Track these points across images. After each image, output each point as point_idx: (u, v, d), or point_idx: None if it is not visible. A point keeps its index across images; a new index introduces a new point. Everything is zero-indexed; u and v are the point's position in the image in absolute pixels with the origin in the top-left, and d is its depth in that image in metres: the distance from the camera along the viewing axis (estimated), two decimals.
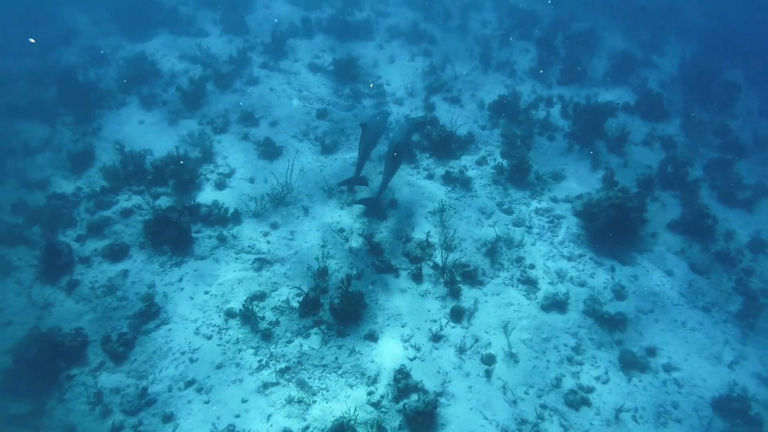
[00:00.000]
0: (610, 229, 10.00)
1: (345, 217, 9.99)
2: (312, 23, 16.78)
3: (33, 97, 12.50)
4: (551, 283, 9.27)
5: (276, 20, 16.92)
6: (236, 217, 9.73)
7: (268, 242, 9.37)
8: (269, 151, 11.32)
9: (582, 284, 9.36)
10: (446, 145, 11.67)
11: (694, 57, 18.54)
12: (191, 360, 7.26)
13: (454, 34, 18.13)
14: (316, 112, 12.85)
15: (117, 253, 8.68)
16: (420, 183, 10.98)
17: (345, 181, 9.75)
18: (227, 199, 10.07)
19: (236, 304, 8.01)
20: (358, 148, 9.55)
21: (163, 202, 9.83)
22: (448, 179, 11.05)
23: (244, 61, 14.42)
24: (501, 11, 20.98)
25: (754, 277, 10.21)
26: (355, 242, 9.42)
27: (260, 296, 8.30)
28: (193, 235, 9.23)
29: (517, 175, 11.25)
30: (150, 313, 7.77)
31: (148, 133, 11.81)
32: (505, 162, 11.54)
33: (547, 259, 9.75)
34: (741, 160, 13.50)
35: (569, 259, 9.86)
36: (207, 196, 10.17)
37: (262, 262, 8.94)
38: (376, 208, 10.12)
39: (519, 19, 19.50)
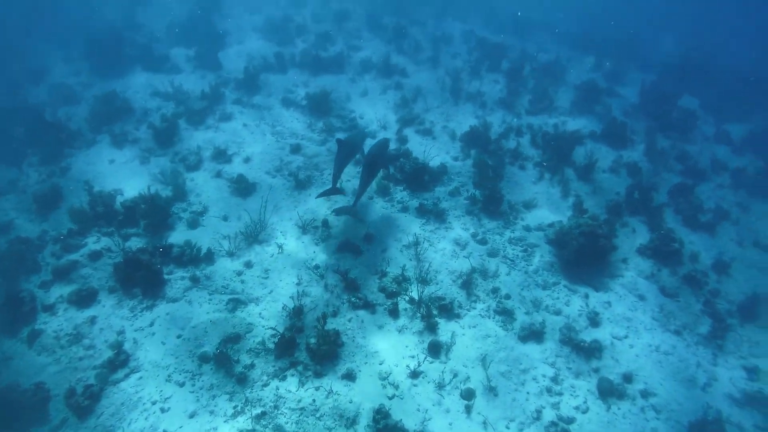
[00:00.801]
0: (582, 257, 10.21)
1: (320, 253, 9.95)
2: (285, 58, 17.01)
3: None
4: (527, 313, 9.33)
5: (249, 55, 17.14)
6: (209, 257, 9.58)
7: (243, 281, 9.24)
8: (242, 188, 11.27)
9: (557, 312, 9.45)
10: (419, 177, 11.82)
11: (653, 85, 19.38)
12: (162, 410, 7.01)
13: (425, 66, 18.60)
14: (289, 147, 12.90)
15: (84, 298, 8.43)
16: (394, 216, 11.05)
17: (323, 192, 10.05)
18: (200, 238, 9.94)
19: (210, 348, 7.83)
20: (334, 161, 9.85)
21: (134, 243, 9.64)
22: (422, 211, 11.16)
23: (217, 97, 14.47)
24: (470, 44, 21.68)
25: (719, 299, 10.48)
26: (331, 279, 9.36)
27: (235, 338, 8.12)
28: (165, 276, 9.05)
29: (491, 205, 11.43)
30: (119, 361, 7.51)
31: (118, 173, 11.65)
32: (478, 192, 11.73)
33: (522, 289, 9.84)
34: (701, 185, 14.03)
35: (544, 287, 9.97)
36: (179, 235, 10.01)
37: (236, 303, 8.78)
38: (353, 215, 10.65)
39: (488, 51, 20.14)
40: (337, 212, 10.80)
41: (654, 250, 11.14)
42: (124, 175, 11.57)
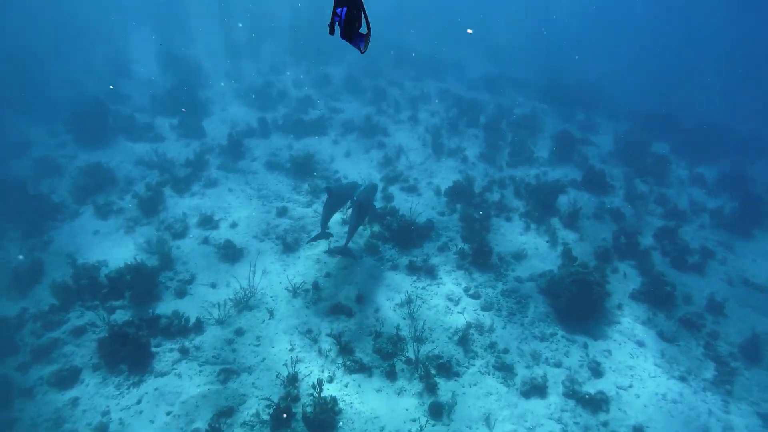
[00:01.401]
0: (577, 305, 10.16)
1: (312, 316, 9.71)
2: (268, 123, 17.35)
3: None
4: (527, 367, 9.11)
5: (232, 122, 17.45)
6: (198, 327, 9.27)
7: (234, 350, 8.90)
8: (230, 253, 11.12)
9: (558, 364, 9.25)
10: (407, 235, 11.83)
11: (626, 133, 20.20)
12: None
13: (405, 125, 19.15)
14: (276, 210, 12.90)
15: (66, 379, 7.99)
16: (384, 275, 10.94)
17: (314, 237, 11.06)
18: (188, 307, 9.67)
19: (202, 424, 7.40)
20: (323, 209, 10.85)
21: (120, 316, 9.31)
22: (413, 268, 11.09)
23: (202, 164, 14.57)
24: (448, 102, 22.52)
25: (719, 341, 10.41)
26: (324, 343, 9.09)
27: (228, 412, 7.71)
28: (153, 349, 8.68)
29: (480, 258, 11.42)
30: None
31: (103, 244, 11.42)
32: (466, 246, 11.75)
33: (520, 342, 9.67)
34: (683, 226, 14.31)
35: (541, 339, 9.81)
36: (167, 305, 9.72)
37: (228, 373, 8.41)
38: (346, 255, 11.11)
39: (465, 107, 20.93)
40: (330, 252, 11.42)
41: (647, 294, 11.16)
42: (109, 246, 11.34)
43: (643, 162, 17.63)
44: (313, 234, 12.11)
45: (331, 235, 11.41)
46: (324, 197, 13.76)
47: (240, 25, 26.71)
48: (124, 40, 26.30)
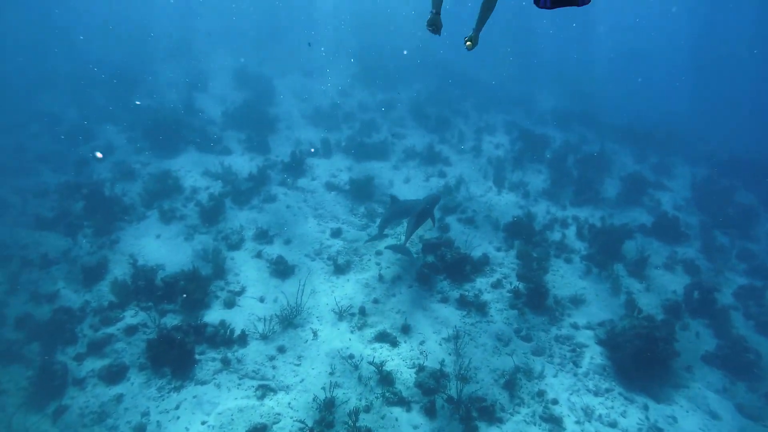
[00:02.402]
0: (639, 361, 9.31)
1: (355, 341, 9.52)
2: (331, 143, 17.67)
3: (61, 210, 12.92)
4: (578, 422, 8.40)
5: (297, 140, 17.93)
6: (242, 339, 9.32)
7: (274, 367, 8.85)
8: (281, 269, 11.22)
9: (613, 425, 8.46)
10: (460, 268, 11.45)
11: (705, 179, 18.82)
12: None
13: (468, 155, 18.87)
14: (330, 230, 12.96)
15: (114, 374, 8.23)
16: (434, 307, 10.60)
17: (393, 246, 11.95)
18: (235, 318, 9.78)
19: None
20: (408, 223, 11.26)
21: (170, 320, 9.56)
22: (463, 303, 10.68)
23: (264, 179, 14.98)
24: (513, 134, 22.04)
25: None
26: (365, 370, 8.84)
27: (261, 429, 7.59)
28: (197, 356, 8.80)
29: (535, 299, 10.83)
30: None
31: (163, 248, 11.90)
32: (521, 285, 11.19)
33: (572, 394, 8.96)
34: None
35: (596, 393, 9.05)
36: (215, 314, 9.89)
37: (265, 390, 8.35)
38: (403, 252, 11.67)
39: (530, 141, 20.37)
40: (391, 248, 11.92)
41: (724, 359, 10.08)
42: (168, 251, 11.79)
43: (725, 212, 16.28)
44: (365, 259, 12.05)
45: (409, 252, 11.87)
46: (379, 221, 13.72)
47: (309, 44, 27.64)
48: (206, 58, 28.01)
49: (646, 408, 8.89)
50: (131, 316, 9.52)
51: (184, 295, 9.94)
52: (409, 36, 31.44)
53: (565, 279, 12.09)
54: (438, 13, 4.21)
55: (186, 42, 30.15)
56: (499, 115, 25.05)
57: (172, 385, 8.24)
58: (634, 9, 51.95)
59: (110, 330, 9.14)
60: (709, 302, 11.47)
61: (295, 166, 15.92)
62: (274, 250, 12.11)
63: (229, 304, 10.27)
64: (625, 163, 20.49)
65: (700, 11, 48.40)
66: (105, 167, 15.27)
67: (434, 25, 4.27)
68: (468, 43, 4.24)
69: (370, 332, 9.75)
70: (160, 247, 11.92)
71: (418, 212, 10.94)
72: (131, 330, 9.15)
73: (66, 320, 9.20)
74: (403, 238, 12.31)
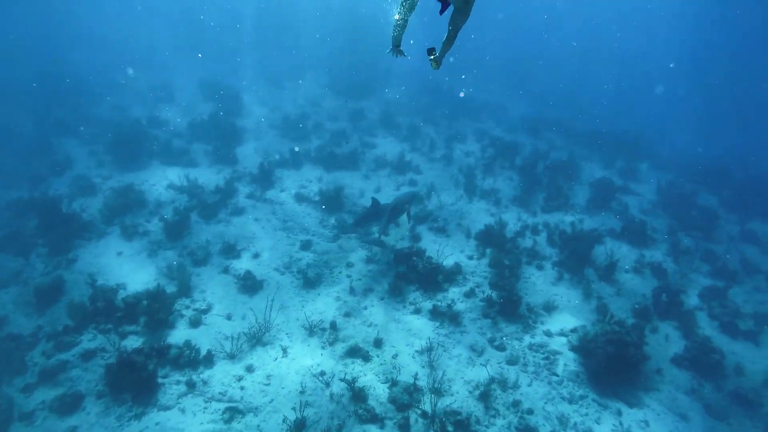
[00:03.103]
0: (612, 367, 9.33)
1: (326, 358, 9.25)
2: (300, 154, 17.40)
3: (13, 229, 12.22)
4: (553, 431, 8.33)
5: (265, 151, 17.60)
6: (209, 359, 8.94)
7: (242, 388, 8.49)
8: (249, 285, 10.88)
9: None
10: (433, 277, 11.33)
11: (670, 184, 19.27)
12: None
13: (439, 164, 18.86)
14: (300, 243, 12.67)
15: (68, 404, 7.73)
16: (406, 319, 10.42)
17: (370, 240, 12.30)
18: (201, 338, 9.39)
19: None
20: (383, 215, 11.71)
21: (131, 342, 9.10)
22: (436, 314, 10.54)
23: (231, 191, 14.59)
24: (483, 142, 22.20)
25: None
26: (337, 387, 8.59)
27: None
28: (160, 380, 8.38)
29: (508, 307, 10.77)
30: None
31: (124, 265, 11.39)
32: (494, 294, 11.13)
33: (546, 402, 8.88)
34: (734, 287, 13.22)
35: (570, 401, 9.00)
36: (180, 334, 9.47)
37: (233, 412, 7.99)
38: (378, 244, 11.91)
39: (501, 149, 20.51)
40: (367, 242, 12.42)
41: (691, 361, 10.21)
42: (130, 269, 11.30)
43: (688, 214, 16.67)
44: (336, 272, 11.83)
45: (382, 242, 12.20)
46: (350, 234, 13.51)
47: (274, 54, 27.37)
48: (170, 69, 27.41)
49: (619, 413, 8.88)
50: (89, 340, 9.02)
51: (147, 316, 9.50)
52: (380, 45, 31.50)
53: (537, 286, 12.10)
54: (397, 46, 4.59)
55: (152, 52, 29.47)
56: (470, 123, 25.25)
57: (133, 413, 7.80)
58: (604, 13, 53.49)
59: (65, 356, 8.62)
60: (676, 304, 11.64)
61: (264, 178, 15.57)
62: (242, 264, 11.75)
63: (195, 323, 9.87)
64: (593, 169, 20.85)
65: (670, 19, 50.06)
66: (63, 182, 14.60)
67: (397, 54, 4.69)
68: (433, 63, 4.40)
69: (341, 347, 9.51)
70: (121, 265, 11.41)
71: (393, 205, 11.45)
72: (88, 355, 8.66)
73: (14, 348, 8.63)
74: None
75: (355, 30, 33.84)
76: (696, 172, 21.58)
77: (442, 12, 4.21)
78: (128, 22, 37.48)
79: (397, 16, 4.25)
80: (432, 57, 4.40)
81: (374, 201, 12.16)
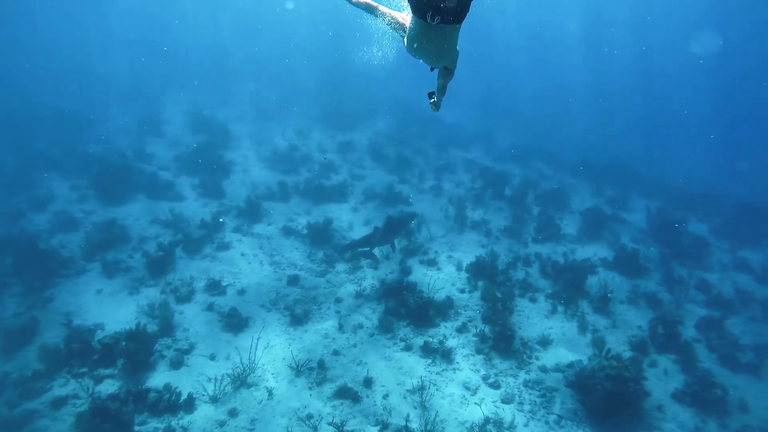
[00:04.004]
0: (610, 404, 8.98)
1: (314, 399, 8.81)
2: (288, 187, 17.20)
3: None
4: None
5: (253, 184, 17.34)
6: (189, 404, 8.46)
7: None
8: (234, 323, 10.46)
9: None
10: (424, 312, 10.99)
11: (659, 211, 19.28)
12: None
13: (428, 195, 18.74)
14: (287, 278, 12.31)
15: None
16: (397, 356, 10.03)
17: (362, 252, 12.81)
18: (182, 380, 8.93)
19: None
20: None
21: (107, 387, 8.60)
22: (428, 350, 10.16)
23: (217, 226, 14.27)
24: (473, 172, 22.18)
25: None
26: (325, 431, 8.13)
27: None
28: (136, 428, 7.88)
29: (502, 342, 10.44)
30: None
31: (104, 304, 10.92)
32: (487, 328, 10.81)
33: None
34: (730, 317, 13.02)
35: None
36: (160, 377, 9.00)
37: None
38: (370, 257, 12.74)
39: (490, 179, 20.46)
40: (360, 253, 12.85)
41: (693, 396, 9.87)
42: (110, 307, 10.83)
43: (680, 243, 16.58)
44: (324, 308, 11.48)
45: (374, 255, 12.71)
46: (338, 268, 13.19)
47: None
48: (157, 101, 27.36)
49: None
50: (60, 386, 8.50)
51: (125, 358, 9.02)
52: (368, 77, 31.83)
53: (531, 319, 11.80)
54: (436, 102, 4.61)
55: (139, 84, 29.45)
56: (459, 153, 25.31)
57: None
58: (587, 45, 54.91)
59: (32, 405, 8.08)
60: (673, 336, 11.38)
61: (251, 211, 15.29)
62: (227, 301, 11.34)
63: (176, 364, 9.40)
64: (583, 198, 20.85)
65: (652, 45, 51.42)
66: (43, 218, 14.17)
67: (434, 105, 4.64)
68: (433, 106, 4.57)
69: (329, 388, 9.08)
70: (100, 304, 10.93)
71: (387, 225, 12.09)
72: (58, 403, 8.13)
73: None
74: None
75: (342, 63, 34.43)
76: (684, 200, 21.67)
77: (432, 70, 4.68)
78: (114, 54, 37.67)
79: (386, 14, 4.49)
80: (432, 100, 4.55)
81: (376, 229, 12.47)
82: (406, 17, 4.41)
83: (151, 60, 36.57)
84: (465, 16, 3.63)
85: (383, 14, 4.53)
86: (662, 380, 10.47)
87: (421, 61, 4.32)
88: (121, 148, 18.97)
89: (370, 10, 4.64)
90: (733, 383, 10.62)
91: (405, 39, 4.21)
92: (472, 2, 3.56)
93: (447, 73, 4.45)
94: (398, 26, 4.43)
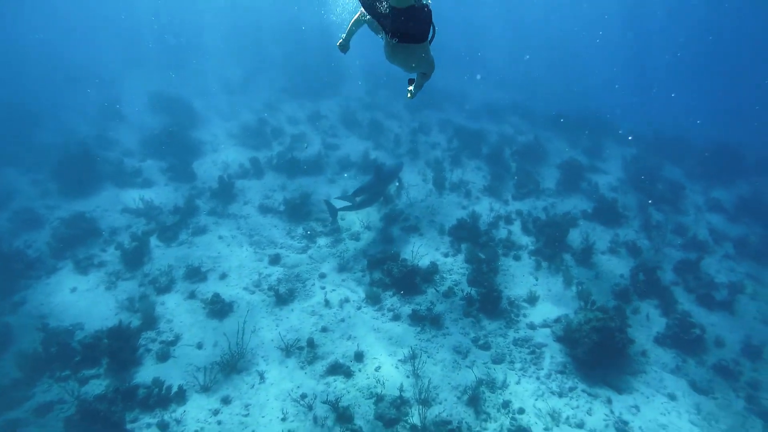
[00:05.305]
0: (598, 354, 9.20)
1: (306, 378, 8.78)
2: (261, 163, 16.72)
3: None
4: (546, 429, 8.11)
5: (224, 163, 16.78)
6: (180, 395, 8.34)
7: (219, 422, 7.95)
8: (218, 309, 10.25)
9: (580, 425, 8.23)
10: (410, 280, 10.95)
11: (635, 159, 19.42)
12: None
13: (405, 159, 18.44)
14: (268, 258, 12.08)
15: None
16: (386, 327, 10.02)
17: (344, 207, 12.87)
18: (171, 372, 8.78)
19: None
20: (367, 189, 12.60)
21: (93, 388, 8.40)
22: (416, 318, 10.17)
23: (191, 210, 13.82)
24: (448, 132, 21.87)
25: (762, 391, 9.34)
26: (320, 410, 8.13)
27: None
28: (128, 426, 7.75)
29: (489, 303, 10.51)
30: None
31: (80, 303, 10.57)
32: (473, 291, 10.85)
33: (537, 399, 8.66)
34: (706, 258, 13.34)
35: (560, 395, 8.81)
36: (147, 371, 8.83)
37: None
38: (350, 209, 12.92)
39: (467, 138, 20.21)
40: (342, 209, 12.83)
41: (674, 338, 10.18)
42: (87, 305, 10.49)
43: (656, 188, 16.78)
44: (309, 284, 11.33)
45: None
46: (319, 242, 12.98)
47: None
48: (117, 83, 26.02)
49: (609, 401, 8.75)
50: (43, 392, 8.26)
51: (109, 356, 8.79)
52: (331, 46, 30.72)
53: (516, 278, 11.88)
54: (347, 40, 4.95)
55: (93, 66, 27.89)
56: (433, 114, 24.88)
57: None
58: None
59: (15, 414, 7.85)
60: (654, 282, 11.62)
61: (225, 192, 14.84)
62: (209, 287, 11.10)
63: (163, 357, 9.22)
64: (559, 150, 20.81)
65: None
66: (4, 217, 13.49)
67: (343, 47, 5.03)
68: (409, 93, 4.77)
69: (321, 365, 9.05)
70: (76, 303, 10.58)
71: (379, 174, 12.56)
72: (44, 409, 7.91)
73: None
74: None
75: (301, 32, 33.20)
76: (658, 144, 21.86)
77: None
78: (61, 34, 35.49)
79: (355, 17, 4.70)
80: (410, 89, 4.72)
81: (378, 167, 12.96)
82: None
83: (106, 39, 34.63)
84: (428, 36, 3.86)
85: (363, 20, 4.72)
86: (645, 326, 10.75)
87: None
88: (81, 136, 18.03)
89: (358, 23, 4.82)
90: (710, 321, 11.01)
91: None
92: (432, 26, 3.79)
93: (424, 76, 4.66)
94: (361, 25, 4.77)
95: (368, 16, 4.53)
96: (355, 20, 4.73)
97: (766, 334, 10.85)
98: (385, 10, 3.70)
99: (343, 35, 4.92)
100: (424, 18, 3.71)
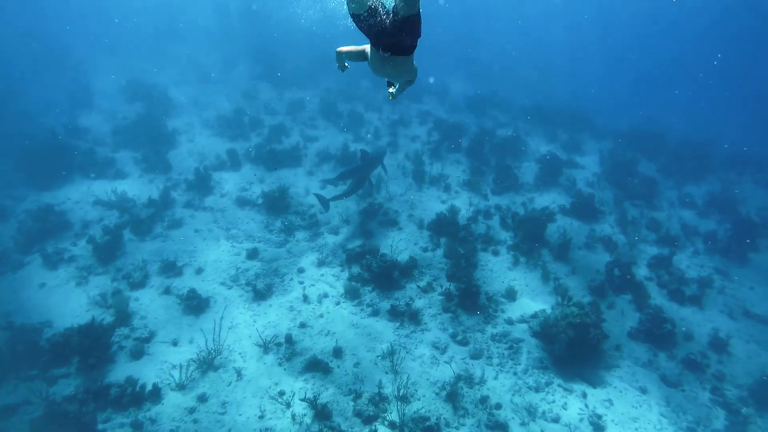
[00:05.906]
0: (573, 350, 9.37)
1: (284, 375, 8.72)
2: (239, 154, 16.41)
3: None
4: (522, 424, 8.24)
5: (200, 153, 16.41)
6: (155, 394, 8.19)
7: (195, 421, 7.84)
8: (194, 304, 10.07)
9: (556, 419, 8.39)
10: (389, 275, 10.93)
11: (611, 154, 19.72)
12: None
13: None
14: (245, 252, 11.90)
15: None
16: (364, 323, 10.00)
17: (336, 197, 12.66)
18: (145, 370, 8.61)
19: None
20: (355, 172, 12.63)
21: (63, 388, 8.17)
22: (395, 314, 10.18)
23: (166, 202, 13.51)
24: (428, 125, 21.82)
25: (727, 383, 9.66)
26: (298, 407, 8.10)
27: None
28: (100, 426, 7.57)
29: (467, 299, 10.58)
30: None
31: (50, 299, 10.25)
32: (452, 286, 10.90)
33: (514, 394, 8.79)
34: (677, 253, 13.68)
35: (536, 390, 8.95)
36: (121, 370, 8.63)
37: None
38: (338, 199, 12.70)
39: (446, 131, 20.17)
40: (331, 199, 12.58)
41: (647, 333, 10.44)
42: (56, 302, 10.18)
43: (631, 183, 17.09)
44: (287, 279, 11.22)
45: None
46: (298, 236, 12.85)
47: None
48: (88, 70, 25.14)
49: (584, 396, 8.93)
50: (8, 393, 7.98)
51: (80, 355, 8.55)
52: (313, 34, 30.19)
53: (494, 273, 11.97)
54: (342, 64, 4.78)
55: (63, 51, 26.85)
56: (413, 105, 24.78)
57: None
58: None
59: None
60: (628, 277, 11.85)
61: (201, 184, 14.53)
62: (185, 282, 10.89)
63: (137, 354, 9.03)
64: (538, 143, 20.98)
65: None
66: None
67: (341, 69, 4.87)
68: (390, 95, 4.65)
69: (299, 362, 9.00)
70: (45, 299, 10.25)
71: (364, 165, 12.62)
72: (7, 411, 7.63)
73: None
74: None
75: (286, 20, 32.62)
76: (633, 139, 22.22)
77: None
78: (34, 16, 34.10)
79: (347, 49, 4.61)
80: (391, 90, 4.65)
81: (363, 153, 13.10)
82: (367, 48, 4.49)
83: (78, 21, 33.38)
84: (413, 50, 4.08)
85: (350, 52, 4.64)
86: (619, 321, 10.98)
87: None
88: (50, 125, 17.36)
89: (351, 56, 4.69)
90: (680, 315, 11.32)
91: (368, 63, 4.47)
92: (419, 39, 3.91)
93: (409, 82, 4.72)
94: (361, 57, 4.60)
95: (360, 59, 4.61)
96: (347, 52, 4.63)
97: (731, 327, 11.21)
98: (387, 24, 3.70)
99: (337, 63, 4.81)
100: (417, 28, 3.78)
